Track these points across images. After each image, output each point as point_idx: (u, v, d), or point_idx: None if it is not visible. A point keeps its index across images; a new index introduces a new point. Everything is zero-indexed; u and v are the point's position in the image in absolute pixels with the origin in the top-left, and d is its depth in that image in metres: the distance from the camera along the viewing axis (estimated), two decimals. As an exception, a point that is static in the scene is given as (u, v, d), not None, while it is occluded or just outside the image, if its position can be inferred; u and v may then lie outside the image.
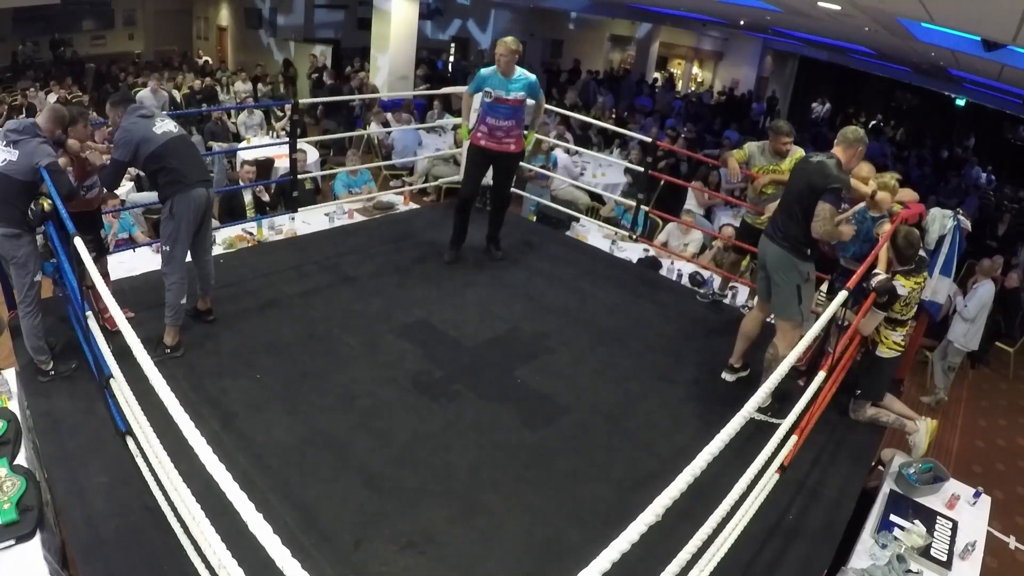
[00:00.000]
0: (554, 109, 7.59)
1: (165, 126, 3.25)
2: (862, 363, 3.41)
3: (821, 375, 2.74)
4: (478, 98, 4.44)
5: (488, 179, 4.70)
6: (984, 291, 5.57)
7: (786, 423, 2.39)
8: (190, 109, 9.74)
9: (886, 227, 3.41)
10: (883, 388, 3.46)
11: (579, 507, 2.72)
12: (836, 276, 3.75)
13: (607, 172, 8.20)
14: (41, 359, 3.08)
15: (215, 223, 5.20)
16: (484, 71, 4.30)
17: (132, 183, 6.32)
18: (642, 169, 5.39)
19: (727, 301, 4.73)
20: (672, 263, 5.45)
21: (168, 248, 3.28)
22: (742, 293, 4.98)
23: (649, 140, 5.48)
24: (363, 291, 4.21)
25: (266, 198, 5.90)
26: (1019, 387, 6.46)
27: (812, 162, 3.19)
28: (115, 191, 3.71)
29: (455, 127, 7.85)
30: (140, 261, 4.46)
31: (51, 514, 2.58)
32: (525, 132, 4.51)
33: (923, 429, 3.45)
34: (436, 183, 7.88)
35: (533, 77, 4.33)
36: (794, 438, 2.71)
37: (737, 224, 6.89)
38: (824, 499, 2.91)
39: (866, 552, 2.78)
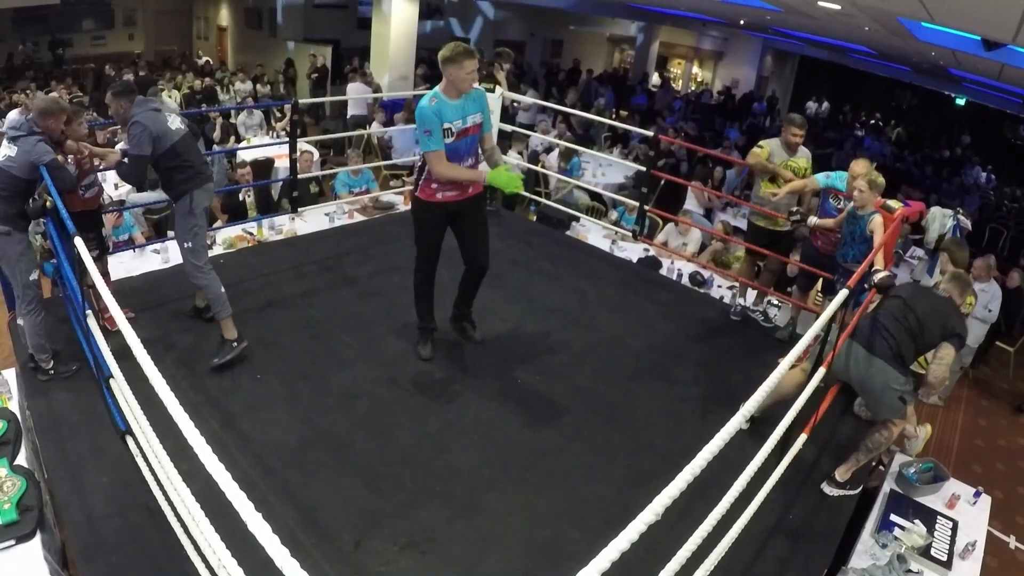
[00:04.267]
0: (553, 107, 7.63)
1: (176, 122, 3.23)
2: None
3: (822, 371, 2.73)
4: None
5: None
6: (998, 291, 5.55)
7: (786, 420, 2.39)
8: (190, 109, 9.74)
9: (876, 220, 3.42)
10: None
11: (579, 507, 2.72)
12: (838, 278, 3.76)
13: (607, 172, 8.21)
14: (42, 357, 3.08)
15: (217, 223, 5.23)
16: (428, 105, 3.00)
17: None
18: (644, 168, 5.40)
19: (762, 321, 4.46)
20: (672, 263, 5.44)
21: (190, 244, 3.24)
22: (777, 310, 4.65)
23: (651, 135, 5.47)
24: (363, 291, 4.21)
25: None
26: (1019, 387, 6.45)
27: (940, 298, 2.98)
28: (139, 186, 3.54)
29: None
30: (140, 261, 4.46)
31: (51, 514, 2.58)
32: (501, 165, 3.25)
33: (921, 436, 3.48)
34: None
35: (482, 90, 3.21)
36: (804, 436, 2.71)
37: (734, 222, 6.94)
38: (824, 499, 2.91)
39: (866, 552, 2.78)
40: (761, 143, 4.29)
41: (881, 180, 3.54)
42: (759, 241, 4.43)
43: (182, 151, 3.17)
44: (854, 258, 3.61)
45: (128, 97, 3.12)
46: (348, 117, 9.91)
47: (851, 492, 2.96)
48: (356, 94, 9.79)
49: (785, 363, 2.16)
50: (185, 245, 3.26)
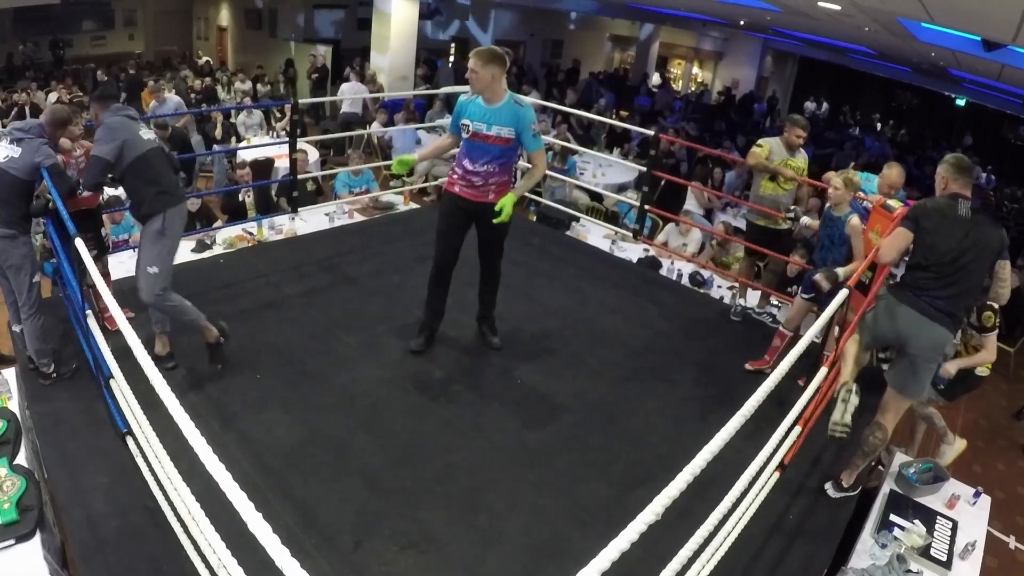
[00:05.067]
0: (553, 106, 7.63)
1: (149, 134, 3.06)
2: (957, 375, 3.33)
3: (823, 371, 2.73)
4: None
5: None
6: None
7: (789, 418, 2.39)
8: (190, 109, 9.75)
9: (853, 222, 3.40)
10: (958, 396, 3.50)
11: (579, 507, 2.72)
12: (811, 275, 3.70)
13: (607, 172, 8.21)
14: (43, 361, 3.07)
15: (217, 223, 5.24)
16: (462, 98, 3.27)
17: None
18: (644, 168, 5.40)
19: (771, 323, 4.43)
20: (672, 263, 5.44)
21: (156, 269, 2.96)
22: (777, 310, 4.65)
23: (651, 134, 5.48)
24: (363, 291, 4.22)
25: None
26: (1019, 387, 6.45)
27: (976, 218, 2.65)
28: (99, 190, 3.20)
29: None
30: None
31: (51, 514, 2.58)
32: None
33: (956, 447, 3.49)
34: (436, 183, 7.90)
35: (527, 109, 3.18)
36: (797, 429, 2.70)
37: (734, 223, 6.93)
38: (824, 499, 2.91)
39: (866, 552, 2.78)
40: (760, 142, 4.29)
41: (858, 179, 3.52)
42: (759, 241, 4.42)
43: (153, 164, 2.98)
44: (835, 262, 3.58)
45: (103, 103, 3.00)
46: (339, 114, 9.96)
47: (852, 493, 2.96)
48: (352, 93, 9.84)
49: (785, 364, 2.16)
50: (150, 270, 2.93)
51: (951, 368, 3.25)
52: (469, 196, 3.31)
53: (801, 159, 4.20)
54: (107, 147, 2.90)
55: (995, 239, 2.67)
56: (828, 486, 2.94)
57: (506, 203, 3.17)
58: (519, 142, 3.22)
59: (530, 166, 3.35)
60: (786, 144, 4.18)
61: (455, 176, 3.33)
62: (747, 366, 3.76)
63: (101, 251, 3.47)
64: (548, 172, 6.98)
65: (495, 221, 3.21)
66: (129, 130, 2.96)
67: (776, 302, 4.68)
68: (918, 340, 2.68)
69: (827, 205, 3.62)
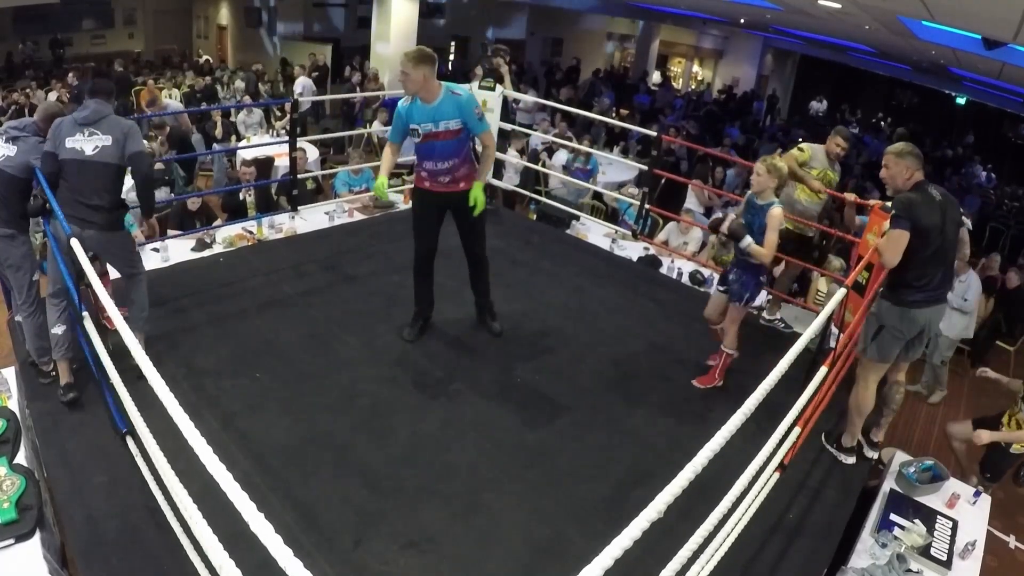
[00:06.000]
0: (553, 105, 7.63)
1: (82, 143, 2.87)
2: (994, 454, 3.68)
3: (823, 370, 2.73)
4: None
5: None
6: (975, 281, 5.56)
7: (789, 418, 2.39)
8: (190, 107, 9.75)
9: (773, 212, 3.21)
10: (1004, 475, 3.81)
11: (579, 506, 2.72)
12: (731, 269, 3.52)
13: (607, 171, 8.20)
14: (43, 360, 3.07)
15: (217, 222, 5.23)
16: (401, 105, 3.27)
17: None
18: (645, 167, 5.39)
19: (783, 328, 4.38)
20: (672, 261, 5.44)
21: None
22: (788, 315, 4.56)
23: (653, 134, 5.47)
24: (363, 290, 4.21)
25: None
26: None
27: (944, 200, 2.85)
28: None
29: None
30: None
31: (50, 513, 2.58)
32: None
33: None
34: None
35: (466, 97, 3.20)
36: (797, 430, 2.70)
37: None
38: (824, 498, 2.91)
39: (866, 551, 2.78)
40: (802, 146, 4.20)
41: (782, 165, 3.29)
42: (785, 246, 4.13)
43: (64, 174, 2.87)
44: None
45: (90, 96, 2.97)
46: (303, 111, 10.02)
47: (848, 460, 3.17)
48: (303, 87, 10.20)
49: (784, 363, 2.16)
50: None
51: (984, 437, 3.56)
52: (442, 190, 3.40)
53: (836, 172, 4.16)
54: (47, 143, 2.92)
55: (959, 213, 2.95)
56: (865, 448, 3.17)
57: (477, 193, 3.29)
58: (468, 129, 3.28)
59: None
60: (827, 153, 4.12)
61: (423, 175, 3.40)
62: (708, 361, 3.75)
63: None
64: (566, 177, 6.97)
65: (475, 214, 3.36)
66: (59, 135, 2.88)
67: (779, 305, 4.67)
68: (930, 326, 3.02)
69: (749, 191, 3.43)
